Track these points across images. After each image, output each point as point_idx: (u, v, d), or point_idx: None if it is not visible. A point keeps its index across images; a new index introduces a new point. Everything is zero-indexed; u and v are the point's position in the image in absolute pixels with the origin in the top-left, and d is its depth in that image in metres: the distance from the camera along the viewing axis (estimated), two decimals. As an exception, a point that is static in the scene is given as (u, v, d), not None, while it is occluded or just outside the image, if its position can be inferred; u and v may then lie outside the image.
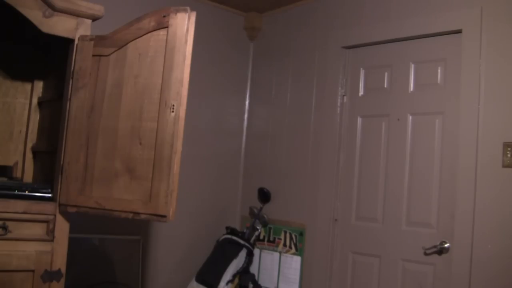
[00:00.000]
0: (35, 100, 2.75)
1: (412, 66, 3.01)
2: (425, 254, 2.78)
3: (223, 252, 3.46)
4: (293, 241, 3.48)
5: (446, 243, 2.72)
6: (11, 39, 2.66)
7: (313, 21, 3.58)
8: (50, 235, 2.17)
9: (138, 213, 2.05)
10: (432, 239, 2.77)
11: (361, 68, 3.28)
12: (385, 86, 3.14)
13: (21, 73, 2.74)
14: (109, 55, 2.19)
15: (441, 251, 2.73)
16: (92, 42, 2.21)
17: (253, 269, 3.63)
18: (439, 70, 2.88)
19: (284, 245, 3.53)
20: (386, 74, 3.14)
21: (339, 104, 3.33)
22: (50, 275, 2.15)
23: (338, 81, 3.34)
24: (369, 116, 3.20)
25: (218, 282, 3.30)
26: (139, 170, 2.06)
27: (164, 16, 2.08)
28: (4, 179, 2.52)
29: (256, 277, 3.60)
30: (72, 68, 2.24)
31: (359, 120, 3.26)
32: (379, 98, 3.16)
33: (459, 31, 2.76)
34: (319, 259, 3.29)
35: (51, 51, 2.70)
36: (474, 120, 2.64)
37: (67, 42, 2.29)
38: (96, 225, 3.16)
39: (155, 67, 2.09)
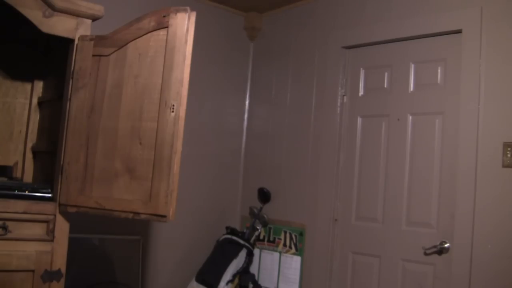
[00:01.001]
0: (35, 100, 2.75)
1: (412, 66, 3.01)
2: (425, 254, 2.78)
3: (223, 252, 3.46)
4: (293, 241, 3.48)
5: (446, 243, 2.72)
6: (11, 39, 2.65)
7: (313, 21, 3.58)
8: (50, 235, 2.17)
9: (138, 213, 2.05)
10: (432, 239, 2.77)
11: (361, 68, 3.28)
12: (385, 86, 3.14)
13: (21, 73, 2.74)
14: (109, 55, 2.18)
15: (441, 251, 2.73)
16: (92, 42, 2.21)
17: (253, 269, 3.63)
18: (439, 70, 2.88)
19: (284, 245, 3.53)
20: (386, 74, 3.14)
21: (339, 104, 3.33)
22: (50, 275, 2.15)
23: (338, 81, 3.34)
24: (369, 116, 3.20)
25: (218, 282, 3.30)
26: (139, 170, 2.06)
27: (164, 16, 2.08)
28: (4, 179, 2.52)
29: (256, 277, 3.60)
30: (72, 68, 2.24)
31: (359, 120, 3.26)
32: (379, 98, 3.16)
33: (459, 31, 2.76)
34: (319, 259, 3.29)
35: (51, 51, 2.70)
36: (474, 120, 2.64)
37: (67, 42, 2.29)
38: (96, 225, 3.16)
39: (155, 67, 2.09)
